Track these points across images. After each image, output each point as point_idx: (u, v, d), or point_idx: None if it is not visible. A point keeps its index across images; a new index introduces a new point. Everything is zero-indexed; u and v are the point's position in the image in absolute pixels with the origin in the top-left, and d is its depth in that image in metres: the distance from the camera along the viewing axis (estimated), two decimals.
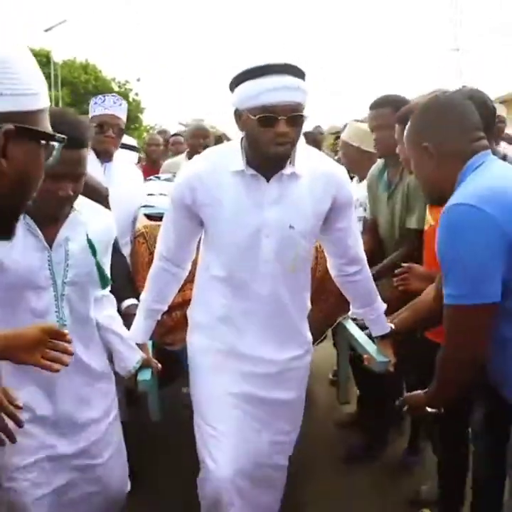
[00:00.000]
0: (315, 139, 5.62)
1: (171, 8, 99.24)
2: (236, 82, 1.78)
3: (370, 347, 2.25)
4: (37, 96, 0.90)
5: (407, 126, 1.81)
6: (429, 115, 1.75)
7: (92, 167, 2.54)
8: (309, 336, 2.17)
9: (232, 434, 1.96)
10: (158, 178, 3.47)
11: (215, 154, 1.97)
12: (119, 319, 2.13)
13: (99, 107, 3.01)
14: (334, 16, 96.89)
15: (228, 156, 1.90)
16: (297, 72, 1.75)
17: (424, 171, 1.75)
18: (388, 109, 2.73)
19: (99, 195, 2.36)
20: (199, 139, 4.47)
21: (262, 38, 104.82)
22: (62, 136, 0.96)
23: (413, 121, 1.79)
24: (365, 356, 2.25)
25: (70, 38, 53.42)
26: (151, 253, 2.38)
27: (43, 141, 0.93)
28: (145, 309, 2.14)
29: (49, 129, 0.95)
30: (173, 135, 6.34)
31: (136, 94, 36.20)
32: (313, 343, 2.23)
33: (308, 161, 1.91)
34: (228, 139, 4.71)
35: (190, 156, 4.43)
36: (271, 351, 2.02)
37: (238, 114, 1.82)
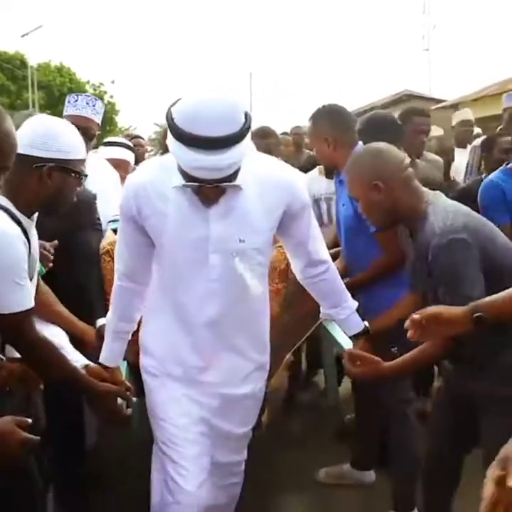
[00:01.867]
0: (295, 141, 5.55)
1: (145, 10, 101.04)
2: (171, 129, 1.59)
3: (347, 343, 2.21)
4: (70, 153, 1.80)
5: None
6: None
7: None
8: (265, 361, 2.04)
9: (192, 458, 1.87)
10: None
11: (160, 165, 1.82)
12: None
13: (71, 107, 2.92)
14: (315, 17, 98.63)
15: (173, 168, 1.71)
16: (236, 140, 1.56)
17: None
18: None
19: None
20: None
21: (228, 38, 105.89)
22: (86, 173, 1.89)
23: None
24: (343, 354, 2.15)
25: (45, 42, 54.70)
26: None
27: (73, 175, 1.83)
28: (112, 331, 2.02)
29: (79, 169, 1.85)
30: (132, 138, 5.78)
31: (111, 96, 36.82)
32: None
33: (256, 170, 1.77)
34: None
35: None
36: (222, 386, 1.93)
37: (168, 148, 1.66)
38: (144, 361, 2.01)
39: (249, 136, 1.63)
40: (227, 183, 1.67)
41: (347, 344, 2.22)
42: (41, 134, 1.75)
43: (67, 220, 2.26)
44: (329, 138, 2.55)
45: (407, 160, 2.00)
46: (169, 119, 1.61)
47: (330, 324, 2.48)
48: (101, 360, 2.03)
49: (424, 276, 1.85)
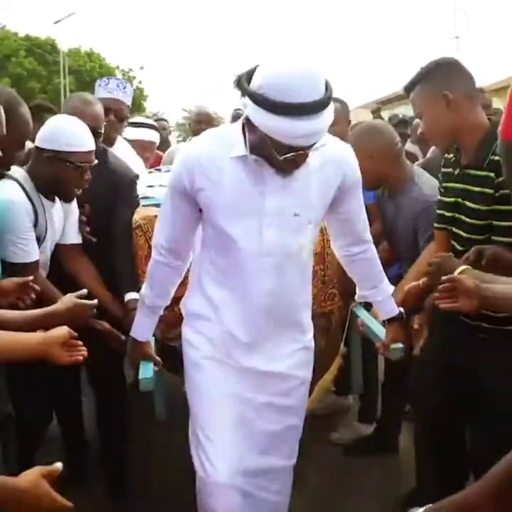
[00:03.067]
0: None
1: None
2: (263, 103, 1.55)
3: (381, 332, 2.16)
4: (70, 146, 2.08)
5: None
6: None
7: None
8: (310, 336, 2.01)
9: (228, 438, 1.84)
10: (159, 170, 3.32)
11: (215, 137, 1.80)
12: None
13: (102, 90, 2.97)
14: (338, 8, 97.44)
15: (229, 140, 1.74)
16: (322, 107, 1.56)
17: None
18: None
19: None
20: (202, 125, 4.21)
21: (264, 29, 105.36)
22: (82, 164, 2.11)
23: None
24: (378, 344, 2.14)
25: (75, 28, 55.61)
26: (149, 245, 2.22)
27: (69, 164, 2.09)
28: (147, 306, 2.00)
29: (76, 160, 2.09)
30: (157, 120, 5.90)
31: (140, 82, 37.31)
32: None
33: (317, 144, 1.70)
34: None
35: None
36: (267, 362, 1.89)
37: (251, 125, 1.63)
38: (186, 332, 1.97)
39: (331, 112, 1.61)
40: (316, 145, 1.65)
41: (383, 333, 2.16)
42: (49, 131, 2.14)
43: (108, 197, 2.41)
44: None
45: (398, 138, 2.51)
46: (254, 91, 1.57)
47: (361, 312, 2.43)
48: (132, 334, 2.03)
49: (407, 229, 2.38)
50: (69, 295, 1.81)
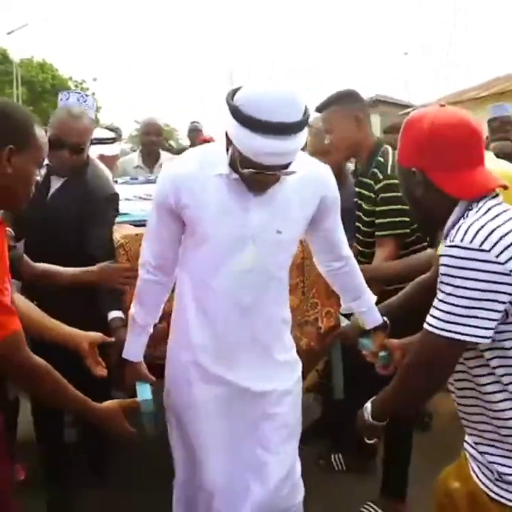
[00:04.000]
0: None
1: (127, 8, 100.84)
2: (238, 116, 1.59)
3: (368, 342, 2.15)
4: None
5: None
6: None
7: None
8: (294, 351, 2.04)
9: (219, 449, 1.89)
10: (116, 182, 3.25)
11: (199, 155, 1.84)
12: None
13: (62, 105, 2.93)
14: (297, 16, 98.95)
15: (213, 158, 1.78)
16: (302, 127, 1.60)
17: None
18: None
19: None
20: (152, 136, 4.30)
21: (208, 35, 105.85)
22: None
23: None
24: (365, 352, 2.12)
25: (28, 39, 54.87)
26: (133, 264, 2.22)
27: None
28: (138, 325, 1.99)
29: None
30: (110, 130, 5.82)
31: (93, 93, 37.44)
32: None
33: (294, 163, 1.72)
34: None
35: (143, 154, 4.32)
36: (255, 380, 1.91)
37: (228, 139, 1.67)
38: (171, 353, 2.00)
39: (305, 134, 1.65)
40: (286, 171, 1.68)
41: (369, 343, 2.14)
42: None
43: (86, 215, 2.39)
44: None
45: None
46: (234, 108, 1.60)
47: (342, 320, 2.48)
48: (125, 355, 2.01)
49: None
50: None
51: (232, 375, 1.91)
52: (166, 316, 2.07)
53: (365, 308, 2.12)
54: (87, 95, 3.21)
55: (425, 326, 1.38)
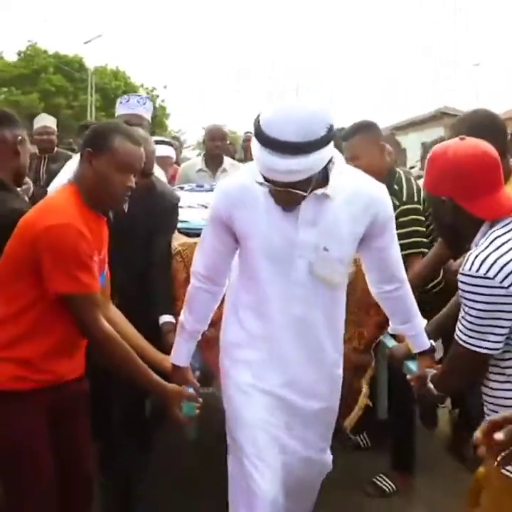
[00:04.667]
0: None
1: (198, 18, 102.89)
2: (255, 129, 1.67)
3: (414, 366, 2.13)
4: None
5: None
6: None
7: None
8: (340, 364, 2.06)
9: (273, 460, 1.87)
10: (182, 188, 3.35)
11: (251, 169, 1.84)
12: None
13: (123, 107, 3.03)
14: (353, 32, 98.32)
15: None
16: (312, 148, 1.60)
17: None
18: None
19: None
20: (216, 142, 4.32)
21: (277, 49, 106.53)
22: None
23: None
24: (409, 377, 2.09)
25: (103, 47, 56.93)
26: (187, 271, 2.30)
27: None
28: (187, 331, 2.04)
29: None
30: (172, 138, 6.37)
31: (163, 100, 37.83)
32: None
33: (345, 179, 1.80)
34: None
35: (206, 158, 4.35)
36: (299, 395, 1.94)
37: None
38: (224, 360, 2.03)
39: (329, 147, 1.67)
40: (296, 191, 1.69)
41: (415, 367, 2.15)
42: None
43: (150, 221, 2.47)
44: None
45: None
46: (256, 121, 1.68)
47: (390, 342, 2.47)
48: (172, 360, 2.05)
49: None
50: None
51: (285, 390, 1.95)
52: (212, 324, 2.13)
53: (414, 332, 2.10)
54: (146, 98, 3.27)
55: (455, 336, 1.66)
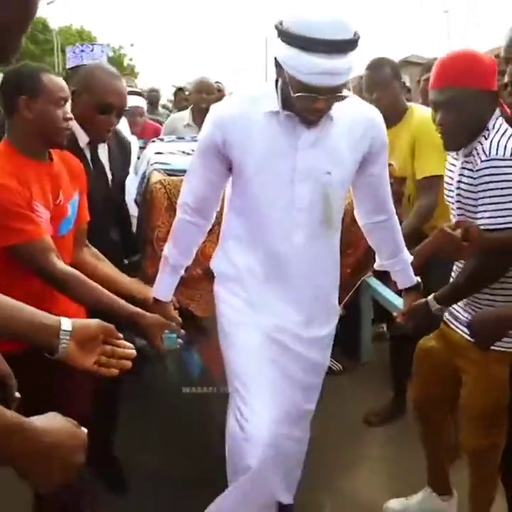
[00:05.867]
0: None
1: None
2: (286, 37, 1.55)
3: (400, 303, 2.12)
4: None
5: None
6: None
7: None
8: (337, 305, 2.02)
9: (266, 392, 1.79)
10: (162, 139, 3.25)
11: (247, 96, 1.80)
12: None
13: (87, 56, 2.97)
14: None
15: (262, 97, 1.74)
16: (349, 47, 1.54)
17: None
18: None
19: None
20: (202, 94, 4.23)
21: (256, 6, 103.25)
22: None
23: None
24: (396, 314, 2.09)
25: (65, 6, 55.23)
26: (169, 198, 2.25)
27: None
28: (171, 265, 1.96)
29: None
30: (179, 89, 6.36)
31: (130, 59, 37.52)
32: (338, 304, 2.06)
33: (344, 105, 1.70)
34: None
35: (194, 112, 4.25)
36: (298, 325, 1.88)
37: (279, 66, 1.62)
38: (218, 291, 1.96)
39: (356, 57, 1.59)
40: (340, 94, 1.62)
41: (401, 303, 2.13)
42: None
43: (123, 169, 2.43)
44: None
45: None
46: (283, 29, 1.56)
47: (374, 282, 2.42)
48: (154, 293, 1.98)
49: None
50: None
51: (280, 317, 1.87)
52: (196, 263, 2.10)
53: (400, 267, 2.06)
54: (106, 46, 3.24)
55: (482, 227, 1.74)
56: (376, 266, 2.15)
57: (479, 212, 1.76)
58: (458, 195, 1.88)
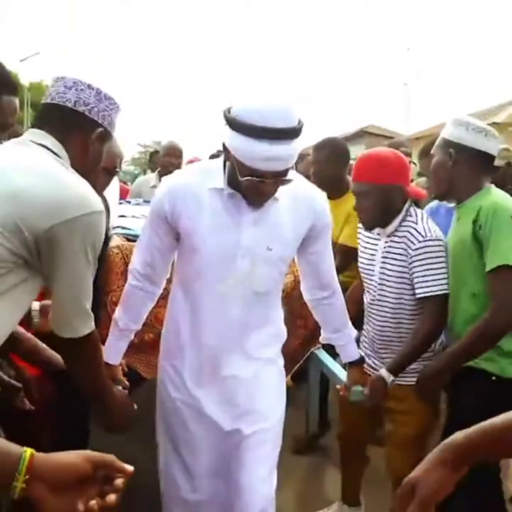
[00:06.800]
0: None
1: (133, 33, 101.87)
2: (233, 124, 1.64)
3: (344, 375, 2.16)
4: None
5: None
6: None
7: None
8: (281, 362, 2.04)
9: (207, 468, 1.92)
10: (129, 202, 3.29)
11: (198, 170, 1.89)
12: None
13: None
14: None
15: (209, 173, 1.81)
16: (293, 134, 1.62)
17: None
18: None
19: None
20: (172, 158, 4.40)
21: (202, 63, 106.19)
22: None
23: None
24: (339, 387, 2.18)
25: (39, 65, 56.01)
26: (126, 263, 2.28)
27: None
28: (120, 329, 1.99)
29: None
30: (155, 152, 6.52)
31: None
32: (286, 376, 2.09)
33: (289, 184, 1.76)
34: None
35: (161, 174, 4.31)
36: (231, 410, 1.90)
37: (227, 150, 1.70)
38: (161, 367, 2.01)
39: (300, 143, 1.68)
40: (285, 178, 1.70)
41: (344, 376, 2.18)
42: None
43: None
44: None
45: None
46: (231, 117, 1.64)
47: (322, 354, 2.49)
48: (105, 358, 1.94)
49: None
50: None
51: (210, 405, 1.91)
52: (149, 327, 2.14)
53: (343, 342, 2.12)
54: None
55: (420, 295, 2.13)
56: (321, 339, 2.20)
57: (416, 283, 2.12)
58: (382, 268, 2.21)
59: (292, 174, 1.82)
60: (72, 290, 1.47)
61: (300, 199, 1.85)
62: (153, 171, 6.03)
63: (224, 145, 1.71)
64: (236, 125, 1.63)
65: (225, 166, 1.79)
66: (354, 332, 2.13)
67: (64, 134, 1.51)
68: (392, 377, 2.10)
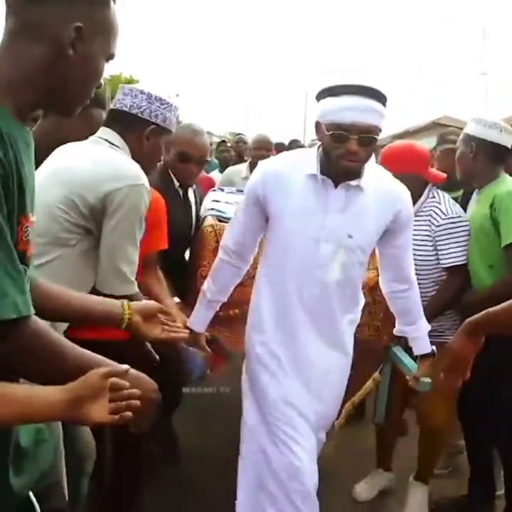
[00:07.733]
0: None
1: (211, 25, 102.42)
2: (320, 96, 1.80)
3: (413, 367, 2.23)
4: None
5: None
6: None
7: None
8: (351, 350, 2.11)
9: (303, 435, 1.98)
10: (222, 190, 3.40)
11: (292, 156, 2.02)
12: None
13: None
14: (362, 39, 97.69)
15: (304, 160, 1.92)
16: (378, 96, 1.74)
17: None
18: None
19: None
20: (262, 151, 4.38)
21: (284, 56, 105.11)
22: None
23: None
24: (408, 377, 2.25)
25: (118, 57, 57.34)
26: (218, 241, 2.39)
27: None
28: (208, 299, 2.13)
29: None
30: (222, 141, 6.72)
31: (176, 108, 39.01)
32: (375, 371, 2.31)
33: (375, 177, 1.91)
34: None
35: (251, 166, 4.37)
36: (317, 355, 2.00)
37: (317, 125, 1.82)
38: (249, 339, 2.09)
39: (385, 110, 1.81)
40: (369, 135, 1.78)
41: (415, 368, 2.25)
42: None
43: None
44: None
45: None
46: (319, 91, 1.84)
47: (397, 348, 2.53)
48: (190, 324, 2.13)
49: None
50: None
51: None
52: (235, 304, 2.27)
53: (417, 334, 2.18)
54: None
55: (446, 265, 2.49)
56: (395, 331, 2.27)
57: (441, 254, 2.49)
58: None
59: (377, 168, 1.95)
60: (113, 251, 1.74)
61: (384, 193, 1.93)
62: (218, 159, 6.17)
63: (316, 125, 1.85)
64: (324, 92, 1.81)
65: (317, 154, 1.91)
66: (427, 326, 2.20)
67: (123, 132, 1.89)
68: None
